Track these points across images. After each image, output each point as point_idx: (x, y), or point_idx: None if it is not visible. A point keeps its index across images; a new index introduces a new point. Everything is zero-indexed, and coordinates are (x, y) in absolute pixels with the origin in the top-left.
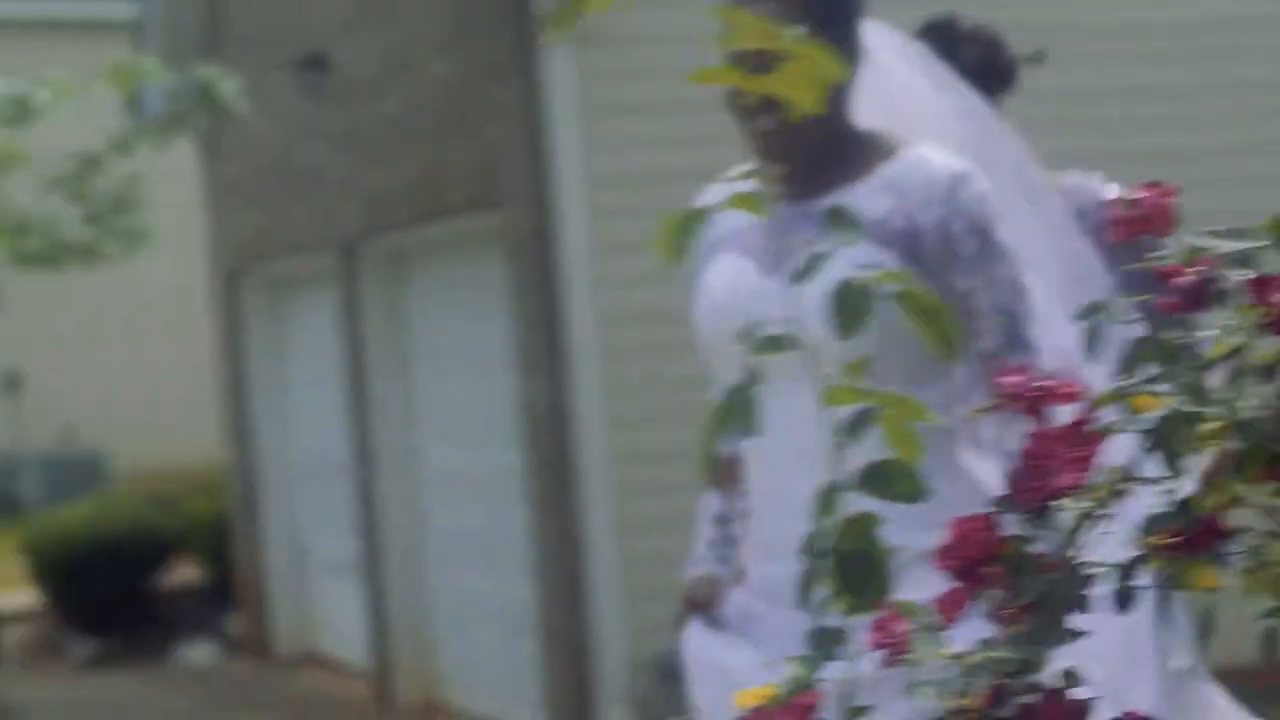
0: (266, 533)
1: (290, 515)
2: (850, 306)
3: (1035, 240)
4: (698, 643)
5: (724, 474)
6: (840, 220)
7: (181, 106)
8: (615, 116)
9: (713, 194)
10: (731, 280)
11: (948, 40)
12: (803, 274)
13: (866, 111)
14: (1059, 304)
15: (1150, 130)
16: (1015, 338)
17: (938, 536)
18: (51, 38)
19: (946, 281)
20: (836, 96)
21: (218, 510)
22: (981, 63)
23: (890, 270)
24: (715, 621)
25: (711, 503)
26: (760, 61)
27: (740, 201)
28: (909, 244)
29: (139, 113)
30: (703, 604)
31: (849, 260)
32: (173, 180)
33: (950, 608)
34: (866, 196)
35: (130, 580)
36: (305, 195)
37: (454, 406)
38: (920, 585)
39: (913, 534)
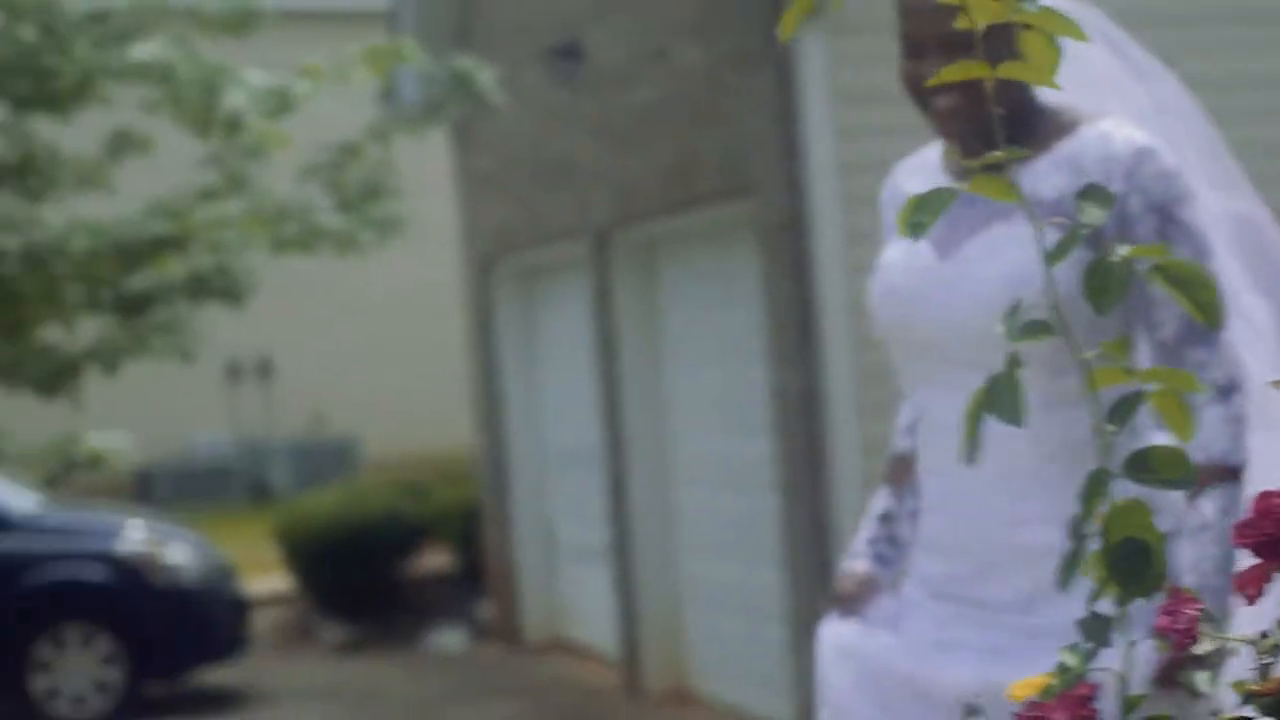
0: (516, 520)
1: (540, 503)
2: (1105, 283)
3: (1221, 228)
4: (833, 630)
5: (898, 471)
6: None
7: (437, 96)
8: (866, 104)
9: (903, 171)
10: (905, 262)
11: None
12: (978, 258)
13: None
14: (1250, 292)
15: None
16: (1196, 327)
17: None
18: (308, 28)
19: None
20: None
21: (467, 498)
22: None
23: (1140, 245)
24: (859, 616)
25: (880, 500)
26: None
27: (984, 185)
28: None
29: (395, 103)
30: (850, 600)
31: (1021, 242)
32: (426, 170)
33: (1251, 584)
34: (1043, 174)
35: (381, 566)
36: (557, 185)
37: (704, 394)
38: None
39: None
